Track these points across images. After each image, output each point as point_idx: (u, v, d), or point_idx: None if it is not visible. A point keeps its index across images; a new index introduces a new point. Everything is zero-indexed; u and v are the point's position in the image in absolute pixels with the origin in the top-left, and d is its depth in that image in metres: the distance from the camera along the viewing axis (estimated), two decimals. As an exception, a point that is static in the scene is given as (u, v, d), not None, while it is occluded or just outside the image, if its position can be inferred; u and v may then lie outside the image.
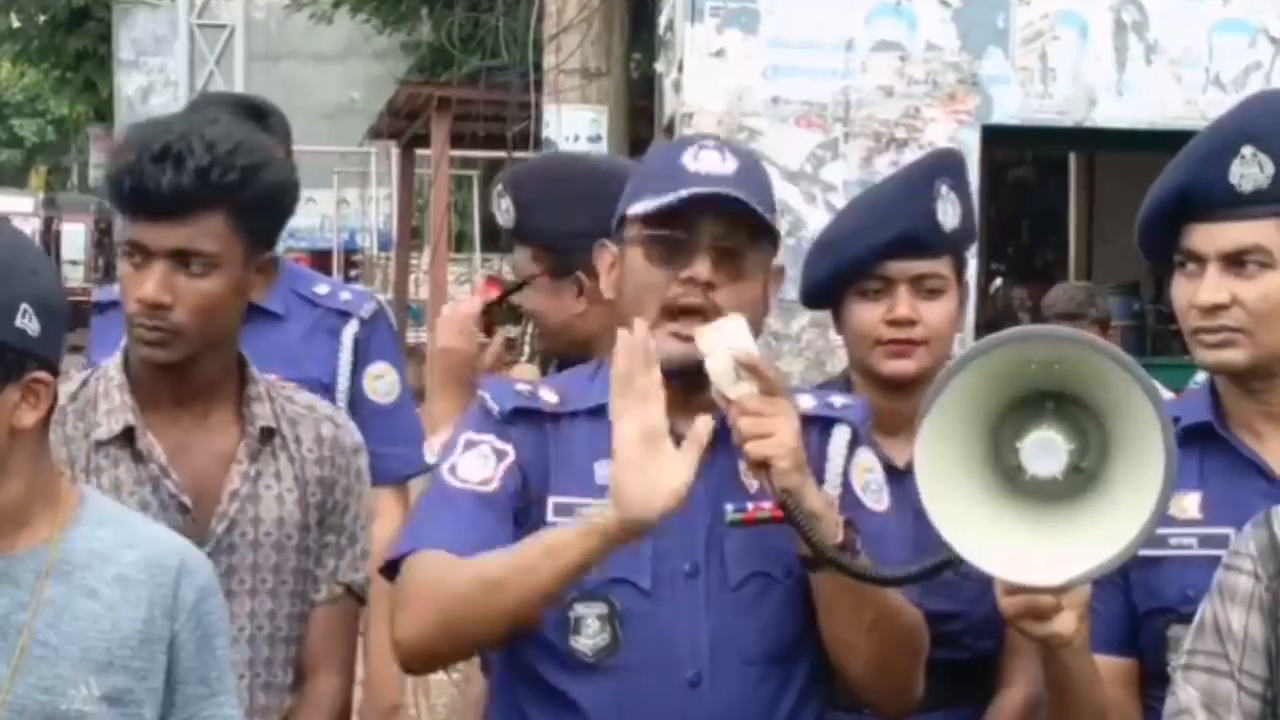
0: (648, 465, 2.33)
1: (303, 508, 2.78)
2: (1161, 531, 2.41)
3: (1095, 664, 2.48)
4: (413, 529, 2.54)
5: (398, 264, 15.99)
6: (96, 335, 3.49)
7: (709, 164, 2.52)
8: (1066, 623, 2.32)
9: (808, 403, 2.58)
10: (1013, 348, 2.26)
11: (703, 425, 2.36)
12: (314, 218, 20.89)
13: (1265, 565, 2.32)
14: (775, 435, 2.36)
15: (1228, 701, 2.31)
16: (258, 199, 2.68)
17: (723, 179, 2.50)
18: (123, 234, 2.69)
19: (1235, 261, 2.57)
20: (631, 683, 2.46)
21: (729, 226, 2.49)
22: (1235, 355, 2.58)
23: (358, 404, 3.57)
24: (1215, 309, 2.57)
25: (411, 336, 14.77)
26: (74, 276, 24.30)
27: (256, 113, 3.53)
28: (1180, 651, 2.42)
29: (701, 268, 2.48)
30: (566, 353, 3.25)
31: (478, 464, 2.52)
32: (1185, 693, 2.35)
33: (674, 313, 2.49)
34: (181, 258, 2.63)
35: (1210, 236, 2.58)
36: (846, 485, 2.57)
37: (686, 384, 2.46)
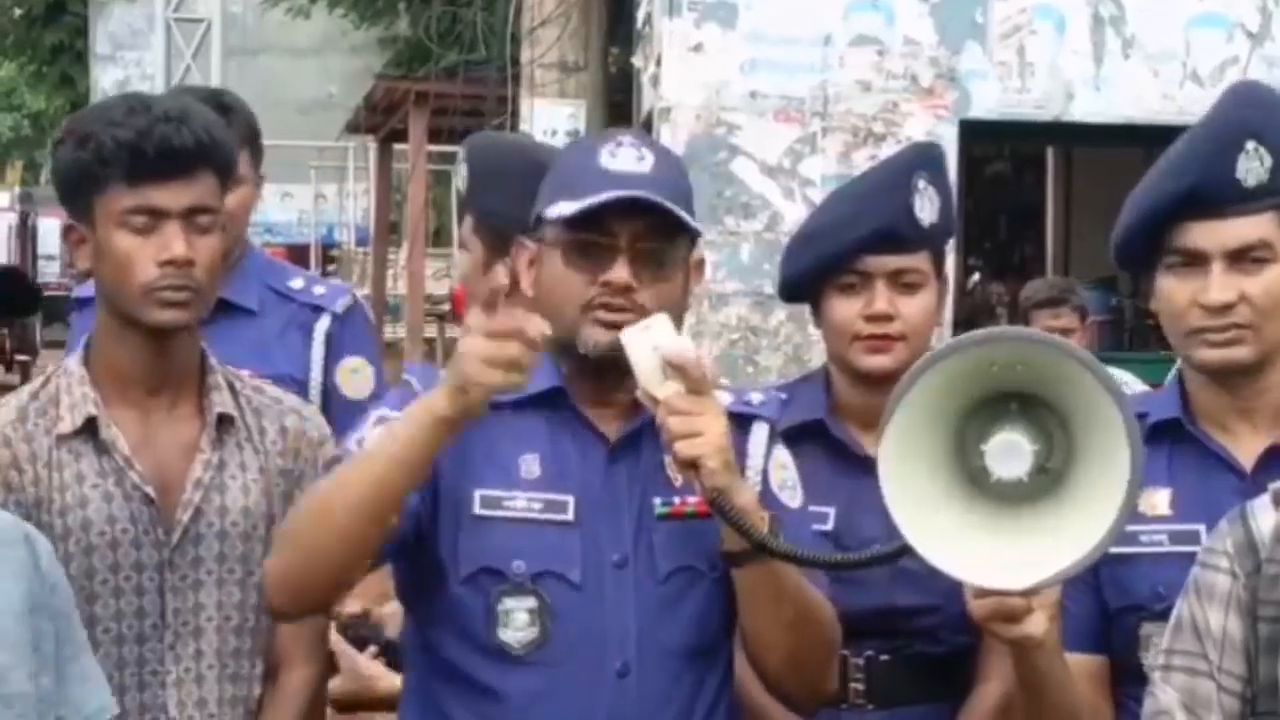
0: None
1: (268, 498, 2.78)
2: (1132, 528, 2.40)
3: (1067, 664, 2.48)
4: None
5: (375, 259, 15.97)
6: (76, 331, 3.45)
7: (625, 163, 2.50)
8: (1037, 624, 2.31)
9: (725, 399, 2.55)
10: (975, 350, 2.25)
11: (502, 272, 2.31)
12: (291, 213, 20.85)
13: (1242, 563, 2.30)
14: (704, 434, 2.35)
15: (1208, 702, 2.29)
16: (229, 159, 2.80)
17: (640, 178, 2.48)
18: (120, 203, 2.68)
19: (1240, 257, 2.56)
20: (559, 675, 2.46)
21: (647, 227, 2.48)
22: (1243, 352, 2.57)
23: (330, 398, 3.54)
24: (1225, 307, 2.56)
25: (389, 332, 14.74)
26: (50, 271, 24.17)
27: (223, 108, 3.49)
28: (1157, 650, 2.40)
29: (620, 271, 2.47)
30: None
31: None
32: (1165, 693, 2.33)
33: (595, 309, 2.49)
34: (191, 215, 2.69)
35: (1215, 234, 2.57)
36: (765, 482, 2.58)
37: (609, 378, 2.48)
